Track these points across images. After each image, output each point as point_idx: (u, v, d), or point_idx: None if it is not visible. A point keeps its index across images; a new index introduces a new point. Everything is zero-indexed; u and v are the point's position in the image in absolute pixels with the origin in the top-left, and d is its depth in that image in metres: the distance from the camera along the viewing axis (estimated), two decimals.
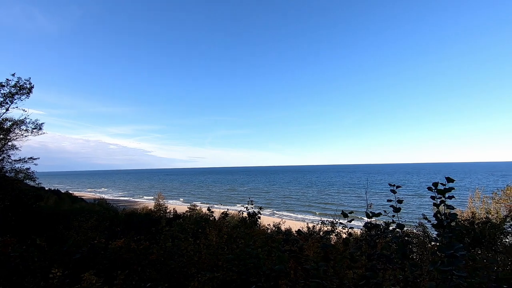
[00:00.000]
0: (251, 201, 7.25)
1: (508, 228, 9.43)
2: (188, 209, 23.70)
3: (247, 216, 7.18)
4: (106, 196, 60.08)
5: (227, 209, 6.63)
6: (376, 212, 2.38)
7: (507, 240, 9.31)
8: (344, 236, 8.22)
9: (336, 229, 7.77)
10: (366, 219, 2.59)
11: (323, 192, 72.52)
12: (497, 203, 11.34)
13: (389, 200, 2.39)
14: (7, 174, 14.11)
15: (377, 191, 64.13)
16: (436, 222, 2.19)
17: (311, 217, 33.30)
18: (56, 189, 47.07)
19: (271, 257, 4.83)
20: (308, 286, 2.12)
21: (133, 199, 66.67)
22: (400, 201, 2.36)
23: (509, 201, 10.94)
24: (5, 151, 13.95)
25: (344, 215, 2.26)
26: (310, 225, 12.61)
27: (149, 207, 32.90)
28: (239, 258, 4.34)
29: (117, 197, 69.98)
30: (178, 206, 36.17)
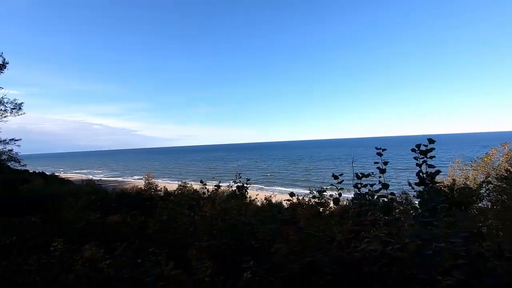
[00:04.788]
0: (239, 174, 7.46)
1: (484, 193, 10.08)
2: (178, 187, 23.84)
3: (236, 189, 7.42)
4: (94, 177, 59.43)
5: (219, 181, 6.80)
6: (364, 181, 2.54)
7: (482, 204, 10.00)
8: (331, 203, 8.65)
9: (324, 197, 8.15)
10: (349, 194, 2.78)
11: (310, 167, 74.14)
12: (475, 170, 12.02)
13: (375, 163, 2.55)
14: None
15: (361, 163, 65.88)
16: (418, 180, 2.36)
17: (301, 190, 34.21)
18: (41, 171, 46.07)
19: (263, 225, 5.08)
20: (300, 241, 2.30)
21: (122, 179, 66.37)
22: (385, 163, 2.52)
23: (486, 168, 11.61)
24: None
25: (335, 177, 2.41)
26: (300, 197, 13.09)
27: (139, 186, 32.91)
28: (234, 225, 4.57)
29: (105, 177, 69.31)
30: (168, 184, 36.31)
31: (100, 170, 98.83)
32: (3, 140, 14.29)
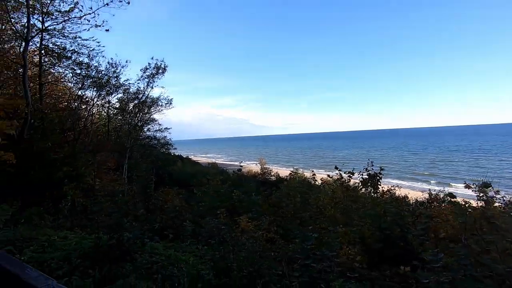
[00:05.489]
0: (372, 162, 6.97)
1: None
2: (291, 173, 24.70)
3: (367, 177, 7.00)
4: (216, 161, 68.76)
5: (353, 168, 6.61)
6: None
7: None
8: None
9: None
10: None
11: (437, 159, 62.88)
12: None
13: None
14: (152, 141, 18.02)
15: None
16: None
17: (425, 186, 29.56)
18: (179, 154, 56.76)
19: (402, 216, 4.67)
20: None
21: (238, 164, 74.26)
22: None
23: None
24: (150, 123, 17.68)
25: None
26: (432, 192, 11.43)
27: (254, 170, 36.05)
28: (377, 215, 4.38)
29: (224, 161, 79.19)
30: (279, 169, 38.21)
31: (220, 155, 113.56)
32: (160, 129, 18.40)
